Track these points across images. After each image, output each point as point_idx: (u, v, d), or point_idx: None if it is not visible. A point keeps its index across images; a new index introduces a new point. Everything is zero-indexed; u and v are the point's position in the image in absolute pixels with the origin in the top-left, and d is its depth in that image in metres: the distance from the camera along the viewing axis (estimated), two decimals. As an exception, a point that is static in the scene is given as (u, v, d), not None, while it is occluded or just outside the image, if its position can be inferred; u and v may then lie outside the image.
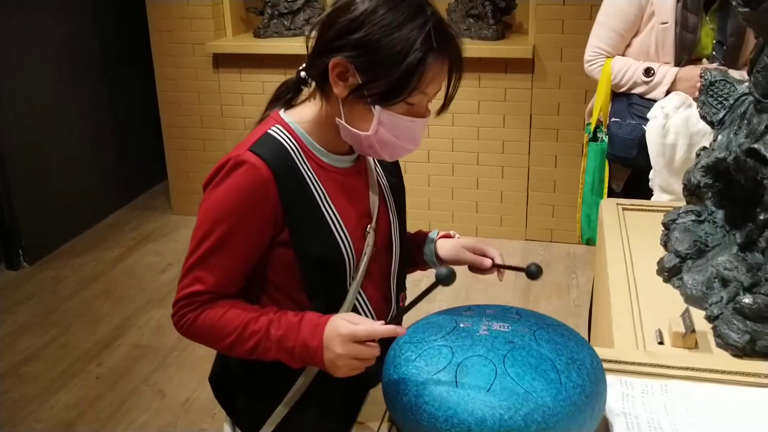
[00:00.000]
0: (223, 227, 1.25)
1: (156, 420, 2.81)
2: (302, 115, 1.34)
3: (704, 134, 2.27)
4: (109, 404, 2.90)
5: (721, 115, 1.67)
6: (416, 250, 1.59)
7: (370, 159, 1.44)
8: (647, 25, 2.40)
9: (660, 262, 1.67)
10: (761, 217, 1.43)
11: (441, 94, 1.32)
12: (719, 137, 1.65)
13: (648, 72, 2.39)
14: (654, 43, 2.40)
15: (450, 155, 4.24)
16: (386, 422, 1.17)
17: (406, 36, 1.18)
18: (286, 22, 4.38)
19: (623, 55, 2.48)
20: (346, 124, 1.28)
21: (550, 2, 3.86)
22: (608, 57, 2.48)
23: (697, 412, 1.16)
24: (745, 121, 1.58)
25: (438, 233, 1.58)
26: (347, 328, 1.17)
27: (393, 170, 1.52)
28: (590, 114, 2.62)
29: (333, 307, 1.34)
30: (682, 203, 1.80)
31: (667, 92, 2.38)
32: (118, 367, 3.15)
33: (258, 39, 4.39)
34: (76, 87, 4.46)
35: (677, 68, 2.38)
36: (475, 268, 1.52)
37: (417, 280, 1.54)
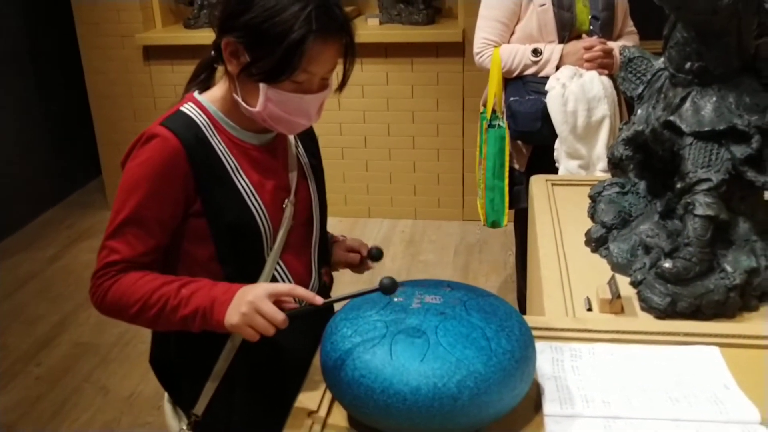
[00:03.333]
0: (136, 197, 1.30)
1: (100, 416, 2.79)
2: (214, 94, 1.41)
3: (600, 99, 2.43)
4: (51, 404, 2.86)
5: (639, 90, 1.73)
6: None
7: (291, 137, 1.50)
8: (527, 10, 2.52)
9: (588, 233, 1.73)
10: (678, 186, 1.50)
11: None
12: (639, 111, 1.71)
13: (536, 52, 2.50)
14: (536, 26, 2.51)
15: (387, 140, 4.28)
16: (327, 398, 1.20)
17: (286, 18, 1.24)
18: (216, 12, 4.33)
19: (509, 42, 2.58)
20: (241, 101, 1.33)
21: (478, -14, 3.92)
22: (496, 46, 2.57)
23: (622, 370, 1.22)
24: (662, 95, 1.64)
25: (332, 237, 1.65)
26: (270, 284, 1.23)
27: (314, 152, 1.58)
28: (485, 103, 2.71)
29: (251, 275, 1.38)
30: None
31: (557, 68, 2.50)
32: (59, 366, 3.10)
33: (189, 30, 4.34)
34: (2, 83, 4.34)
35: (562, 45, 2.51)
36: (354, 267, 1.62)
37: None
